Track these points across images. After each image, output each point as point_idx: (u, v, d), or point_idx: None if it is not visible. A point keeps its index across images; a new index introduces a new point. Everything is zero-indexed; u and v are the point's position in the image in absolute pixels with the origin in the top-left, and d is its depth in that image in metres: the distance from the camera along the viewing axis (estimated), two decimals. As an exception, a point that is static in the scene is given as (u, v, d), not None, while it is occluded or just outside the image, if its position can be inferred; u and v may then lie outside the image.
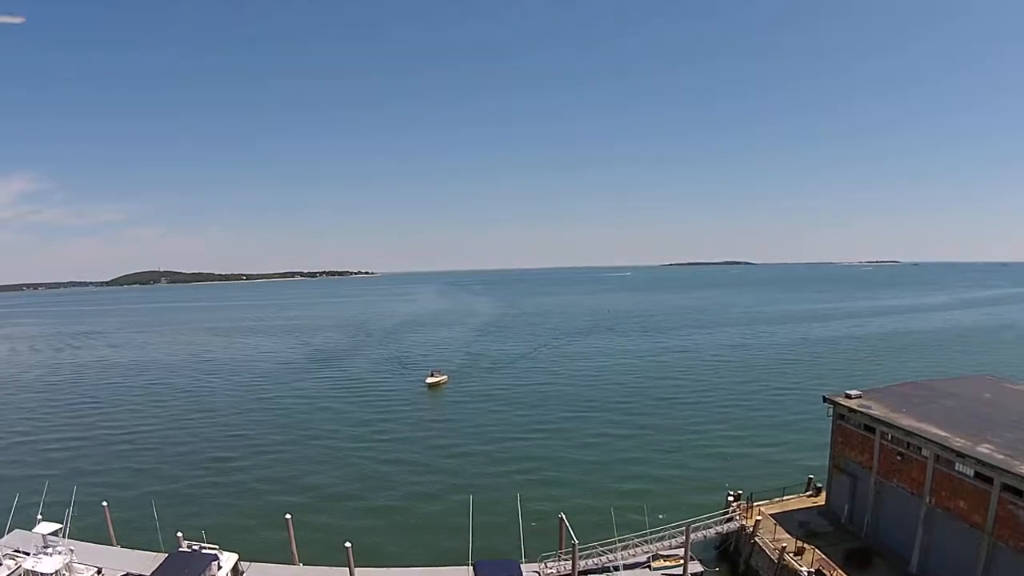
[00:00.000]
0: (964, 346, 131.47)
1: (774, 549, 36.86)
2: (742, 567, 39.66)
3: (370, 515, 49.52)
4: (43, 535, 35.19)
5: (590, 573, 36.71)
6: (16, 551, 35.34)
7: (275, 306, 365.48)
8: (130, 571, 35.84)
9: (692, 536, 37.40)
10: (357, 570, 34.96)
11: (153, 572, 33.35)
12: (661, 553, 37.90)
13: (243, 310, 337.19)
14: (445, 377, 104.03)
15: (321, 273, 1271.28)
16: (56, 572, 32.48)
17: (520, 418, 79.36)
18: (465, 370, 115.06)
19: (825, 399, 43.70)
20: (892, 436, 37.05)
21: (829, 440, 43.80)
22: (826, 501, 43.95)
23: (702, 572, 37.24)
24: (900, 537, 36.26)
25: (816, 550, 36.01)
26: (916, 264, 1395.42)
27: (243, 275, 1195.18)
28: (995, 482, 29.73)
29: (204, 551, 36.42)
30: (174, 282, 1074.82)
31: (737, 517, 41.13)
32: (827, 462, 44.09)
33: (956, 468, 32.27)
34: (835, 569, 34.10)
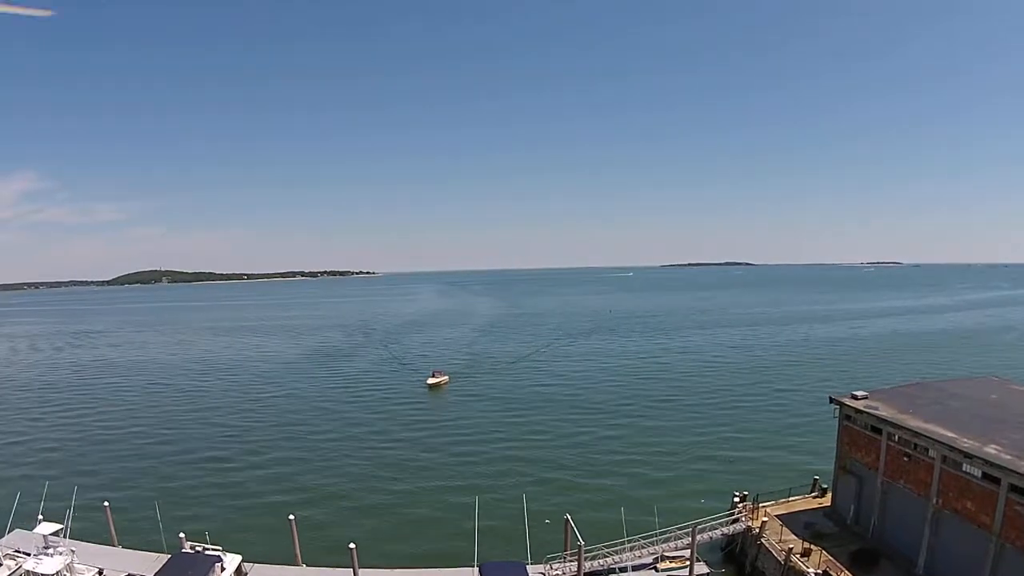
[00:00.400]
0: (966, 347, 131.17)
1: (780, 550, 36.73)
2: (748, 568, 39.49)
3: (374, 516, 49.28)
4: (44, 535, 34.90)
5: (596, 574, 36.55)
6: (17, 551, 35.11)
7: (276, 306, 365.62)
8: (132, 572, 35.66)
9: (698, 537, 37.18)
10: (361, 571, 34.82)
11: (156, 573, 33.12)
12: (667, 554, 37.83)
13: (244, 310, 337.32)
14: (446, 378, 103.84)
15: (322, 273, 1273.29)
16: (57, 573, 32.23)
17: (522, 419, 79.14)
18: (466, 371, 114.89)
19: (831, 400, 43.53)
20: (899, 437, 36.85)
21: (834, 441, 43.62)
22: (832, 502, 43.71)
23: (708, 573, 37.00)
24: (907, 538, 36.09)
25: (822, 551, 35.97)
26: (918, 265, 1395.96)
27: (244, 275, 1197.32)
28: (1002, 483, 29.60)
29: (207, 553, 36.17)
30: (175, 282, 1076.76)
31: (743, 518, 40.96)
32: (832, 463, 43.92)
33: (963, 469, 32.10)
34: (841, 570, 34.04)
